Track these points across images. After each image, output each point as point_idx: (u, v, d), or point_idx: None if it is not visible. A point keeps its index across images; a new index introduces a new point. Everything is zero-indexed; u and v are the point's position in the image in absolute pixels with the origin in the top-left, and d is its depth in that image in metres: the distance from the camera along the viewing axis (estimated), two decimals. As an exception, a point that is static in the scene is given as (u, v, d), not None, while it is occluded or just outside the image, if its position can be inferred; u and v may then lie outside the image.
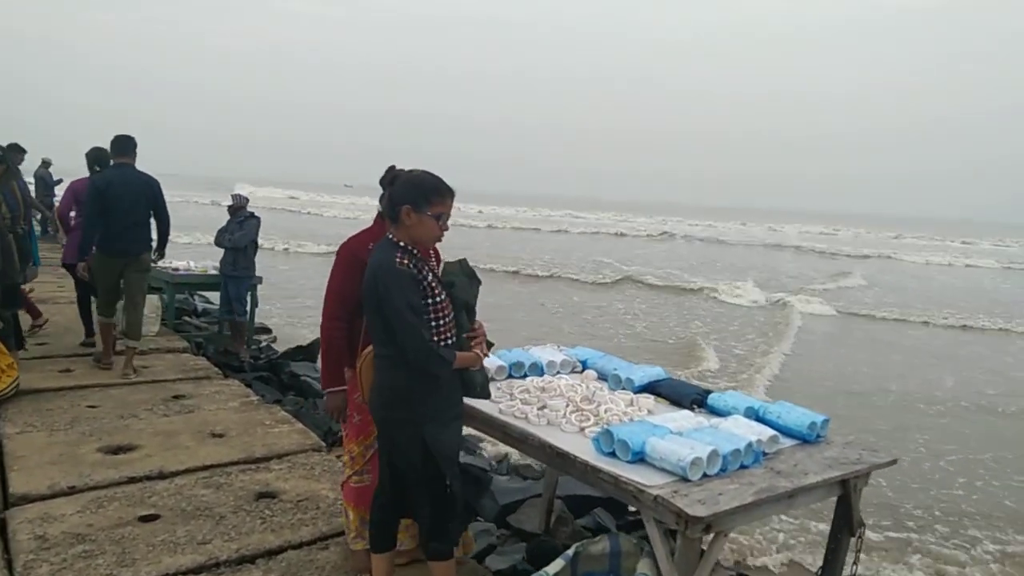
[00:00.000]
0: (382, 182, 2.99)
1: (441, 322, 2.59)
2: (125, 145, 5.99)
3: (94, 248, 5.87)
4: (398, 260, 2.53)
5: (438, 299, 2.59)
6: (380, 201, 3.00)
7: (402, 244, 2.59)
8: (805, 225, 75.81)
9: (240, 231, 7.81)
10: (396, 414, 2.62)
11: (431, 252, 2.94)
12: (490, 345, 2.98)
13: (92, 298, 6.55)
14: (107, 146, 6.16)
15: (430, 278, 2.59)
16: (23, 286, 6.52)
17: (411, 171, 2.69)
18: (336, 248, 3.30)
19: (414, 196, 2.57)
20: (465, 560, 3.37)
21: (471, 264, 2.85)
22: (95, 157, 6.56)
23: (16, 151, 8.66)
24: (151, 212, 6.03)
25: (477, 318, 2.79)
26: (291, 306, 13.71)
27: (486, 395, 2.91)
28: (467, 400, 2.84)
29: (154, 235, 6.21)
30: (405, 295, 2.48)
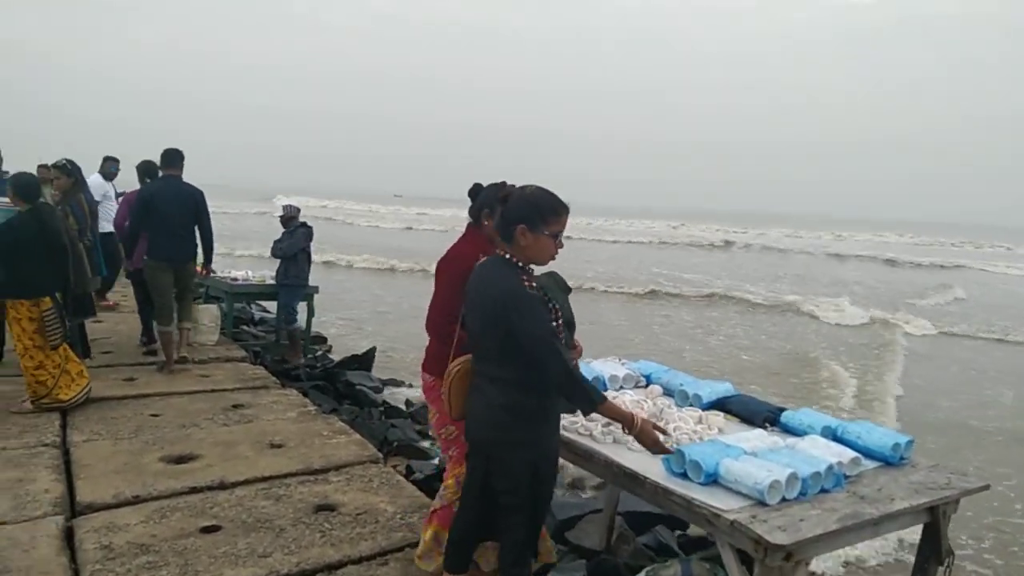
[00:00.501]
0: (471, 194, 3.11)
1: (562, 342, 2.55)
2: (173, 158, 6.38)
3: (146, 257, 6.28)
4: (527, 284, 2.48)
5: (558, 320, 2.56)
6: (469, 212, 3.10)
7: (520, 264, 2.53)
8: (858, 233, 72.23)
9: (289, 240, 7.91)
10: (509, 436, 2.54)
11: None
12: None
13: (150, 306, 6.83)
14: (158, 159, 6.52)
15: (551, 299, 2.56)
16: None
17: (525, 188, 2.61)
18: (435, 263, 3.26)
19: (530, 215, 2.48)
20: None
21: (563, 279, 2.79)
22: (144, 169, 7.08)
23: (110, 161, 8.97)
24: (196, 222, 6.39)
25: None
26: (349, 315, 13.85)
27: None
28: None
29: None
30: (544, 321, 2.44)
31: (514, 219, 2.49)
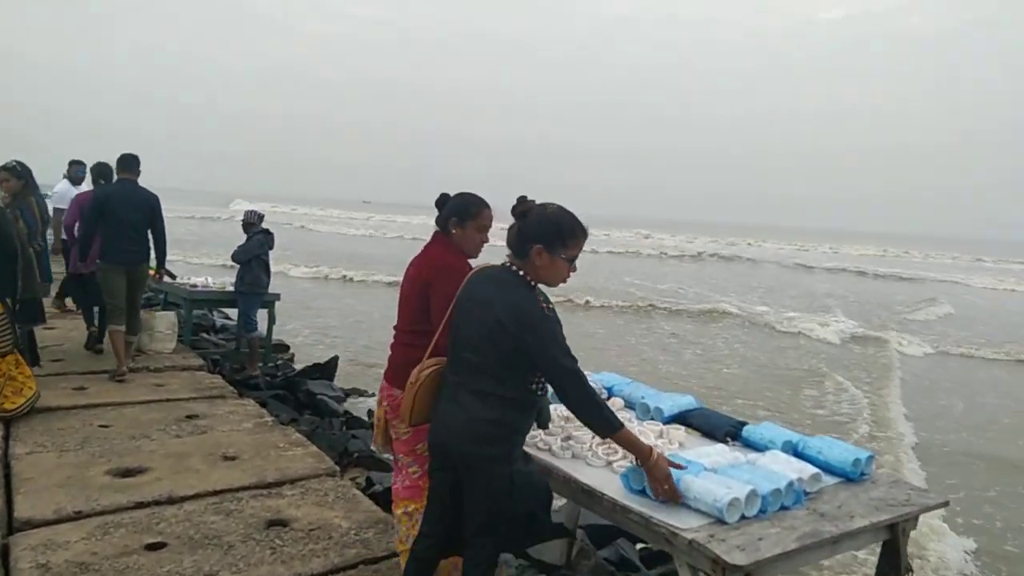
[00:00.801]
0: (438, 204, 3.05)
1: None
2: (129, 162, 6.52)
3: (99, 260, 6.33)
4: (544, 307, 2.41)
5: None
6: (437, 222, 3.04)
7: (534, 283, 2.47)
8: (840, 246, 71.88)
9: (244, 246, 7.77)
10: (492, 451, 2.45)
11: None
12: None
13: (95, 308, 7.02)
14: (113, 162, 6.65)
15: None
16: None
17: (547, 206, 2.50)
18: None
19: (550, 235, 2.41)
20: None
21: None
22: (99, 171, 7.28)
23: (76, 164, 8.96)
24: (149, 227, 6.49)
25: None
26: (315, 325, 13.66)
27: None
28: None
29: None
30: (563, 344, 2.37)
31: (532, 237, 2.41)
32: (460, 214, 2.99)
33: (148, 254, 6.58)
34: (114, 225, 6.24)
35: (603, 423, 2.41)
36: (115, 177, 6.66)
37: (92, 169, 7.32)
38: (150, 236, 6.54)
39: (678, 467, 2.54)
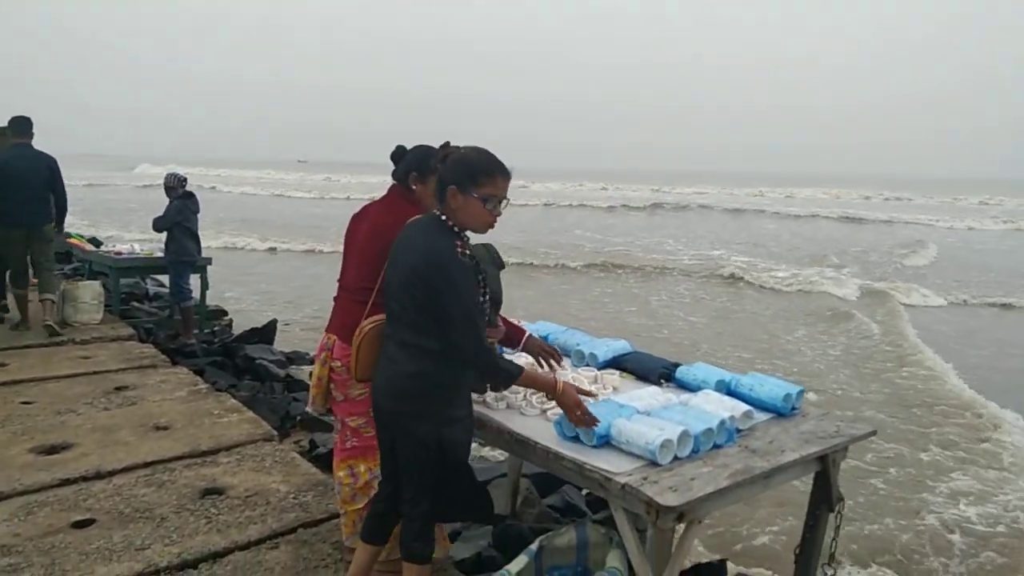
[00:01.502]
0: (394, 157, 2.91)
1: (485, 319, 2.40)
2: (22, 126, 6.54)
3: None
4: (460, 250, 2.30)
5: (485, 295, 2.40)
6: (394, 175, 2.90)
7: (456, 229, 2.35)
8: (814, 190, 67.05)
9: (162, 214, 7.48)
10: (413, 407, 2.37)
11: None
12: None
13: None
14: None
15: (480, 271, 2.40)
16: None
17: (463, 148, 2.42)
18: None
19: (460, 175, 2.32)
20: (444, 562, 3.17)
21: None
22: None
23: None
24: (50, 188, 6.56)
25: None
26: (255, 290, 13.35)
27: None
28: None
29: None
30: (472, 292, 2.28)
31: (447, 179, 2.33)
32: (419, 167, 2.84)
33: (49, 215, 6.63)
34: (14, 189, 6.30)
35: (501, 375, 2.39)
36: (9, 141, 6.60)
37: None
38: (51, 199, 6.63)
39: (588, 394, 2.60)
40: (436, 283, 2.25)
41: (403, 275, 2.33)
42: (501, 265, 2.60)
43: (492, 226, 2.41)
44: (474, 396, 2.84)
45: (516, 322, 3.77)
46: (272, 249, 20.26)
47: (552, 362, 3.06)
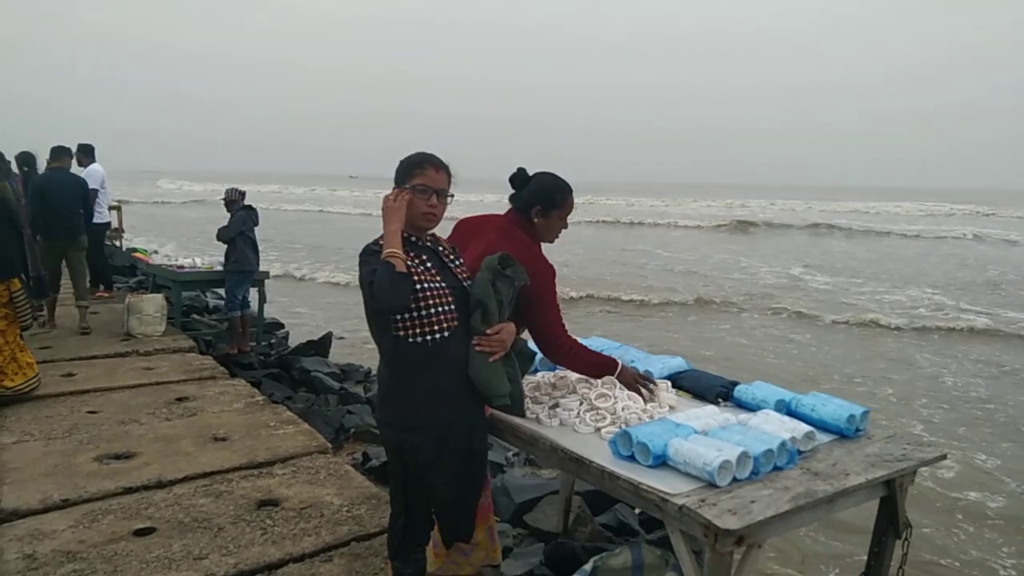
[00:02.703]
0: (516, 181, 2.92)
1: (423, 312, 2.37)
2: (59, 153, 7.99)
3: (38, 237, 7.22)
4: (374, 240, 2.41)
5: (428, 286, 2.39)
6: (512, 200, 2.91)
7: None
8: (821, 203, 65.10)
9: (226, 225, 7.67)
10: (377, 414, 2.53)
11: (431, 236, 2.60)
12: (531, 357, 2.80)
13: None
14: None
15: (421, 263, 2.42)
16: None
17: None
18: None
19: (399, 174, 2.47)
20: (493, 573, 3.16)
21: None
22: (23, 159, 8.61)
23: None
24: (82, 205, 7.75)
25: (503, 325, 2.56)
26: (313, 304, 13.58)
27: (510, 410, 2.68)
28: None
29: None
30: (369, 266, 2.33)
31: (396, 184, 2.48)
32: (543, 201, 2.85)
33: (82, 228, 7.70)
34: (54, 208, 7.36)
35: (392, 286, 2.33)
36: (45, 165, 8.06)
37: (16, 158, 8.39)
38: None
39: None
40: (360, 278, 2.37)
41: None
42: (500, 273, 2.54)
43: (432, 217, 2.45)
44: (528, 415, 2.82)
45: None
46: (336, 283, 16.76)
47: (649, 388, 2.93)
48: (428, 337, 2.38)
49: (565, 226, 2.94)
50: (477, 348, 2.48)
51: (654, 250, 25.39)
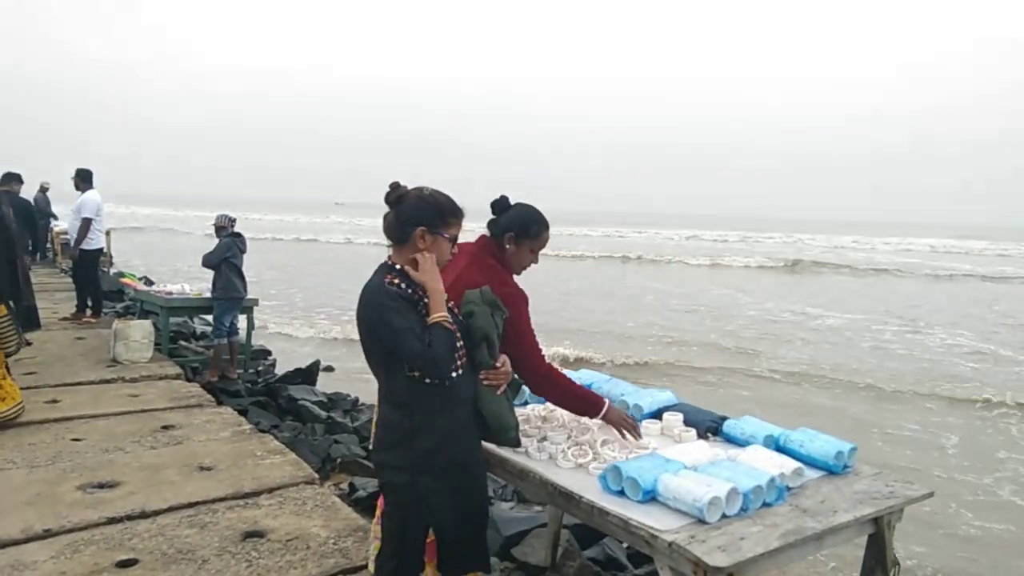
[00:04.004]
0: (496, 207, 2.90)
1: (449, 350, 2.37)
2: (8, 179, 9.23)
3: None
4: (388, 280, 2.33)
5: (458, 336, 2.40)
6: (489, 225, 2.91)
7: (398, 267, 2.39)
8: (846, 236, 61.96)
9: (211, 251, 7.67)
10: (376, 456, 2.44)
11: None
12: (518, 387, 2.76)
13: None
14: None
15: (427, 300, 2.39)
16: None
17: (423, 188, 2.45)
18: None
19: (432, 216, 2.38)
20: None
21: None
22: None
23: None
24: (29, 227, 8.72)
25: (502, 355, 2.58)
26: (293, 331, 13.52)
27: (515, 443, 2.67)
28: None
29: None
30: (402, 318, 2.27)
31: (413, 220, 2.39)
32: (517, 229, 2.87)
33: (26, 249, 8.39)
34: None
35: (442, 364, 2.33)
36: None
37: None
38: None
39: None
40: (373, 318, 2.30)
41: (362, 324, 2.37)
42: (496, 304, 2.56)
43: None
44: (519, 448, 2.82)
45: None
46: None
47: (634, 434, 2.91)
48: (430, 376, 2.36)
49: (535, 260, 2.96)
50: (485, 382, 2.48)
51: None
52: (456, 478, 2.44)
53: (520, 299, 2.78)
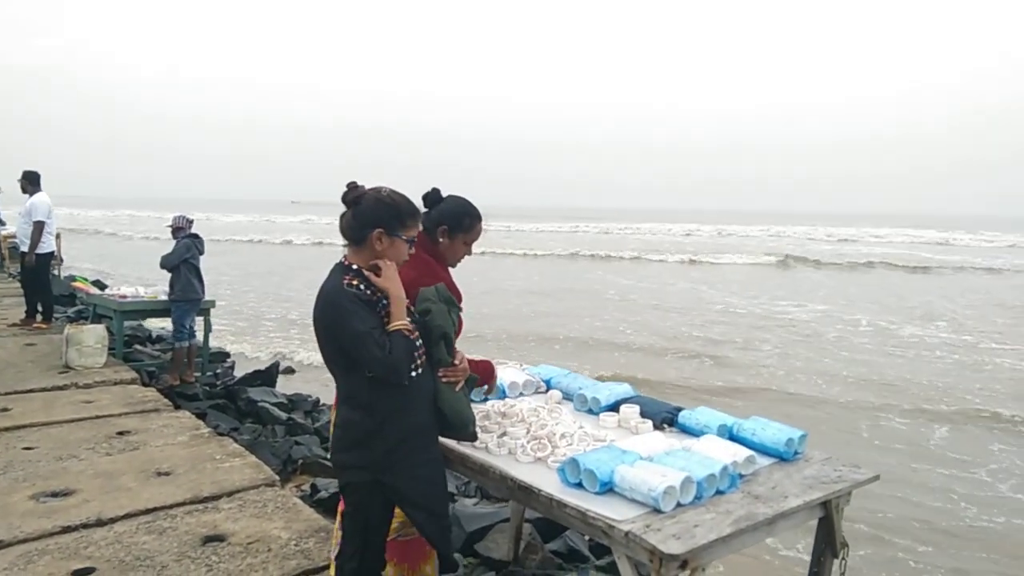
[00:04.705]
0: (428, 200, 2.87)
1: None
2: None
3: None
4: (346, 281, 2.34)
5: (416, 335, 2.42)
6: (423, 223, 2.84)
7: (355, 267, 2.39)
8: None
9: (169, 253, 7.56)
10: (336, 456, 2.44)
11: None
12: (473, 382, 2.78)
13: None
14: None
15: (386, 301, 2.39)
16: None
17: (380, 189, 2.45)
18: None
19: (393, 219, 2.39)
20: None
21: None
22: None
23: None
24: None
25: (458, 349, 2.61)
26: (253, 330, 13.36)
27: (471, 437, 2.70)
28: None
29: None
30: (362, 320, 2.28)
31: (371, 222, 2.39)
32: (451, 221, 2.87)
33: None
34: None
35: (402, 370, 2.35)
36: None
37: None
38: None
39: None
40: (333, 319, 2.31)
41: (318, 325, 2.37)
42: (451, 302, 2.60)
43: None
44: (478, 444, 2.85)
45: (521, 367, 3.79)
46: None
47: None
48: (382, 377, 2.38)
49: (469, 252, 2.98)
50: (444, 379, 2.51)
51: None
52: (419, 475, 2.47)
53: (454, 294, 2.79)
